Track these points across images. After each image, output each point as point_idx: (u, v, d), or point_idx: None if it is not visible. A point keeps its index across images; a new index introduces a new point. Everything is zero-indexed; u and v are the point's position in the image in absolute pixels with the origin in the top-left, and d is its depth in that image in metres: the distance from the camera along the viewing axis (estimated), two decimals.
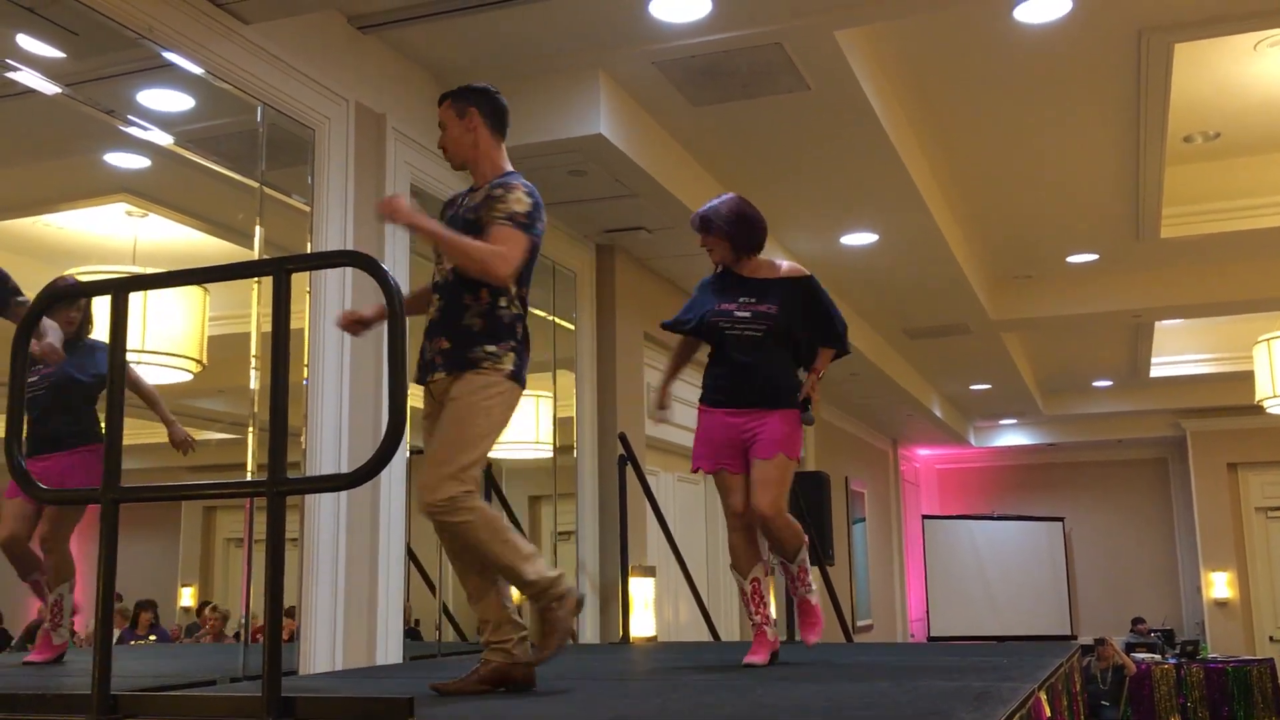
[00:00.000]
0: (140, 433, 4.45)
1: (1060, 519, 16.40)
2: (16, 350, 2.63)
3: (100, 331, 4.24)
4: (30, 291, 3.40)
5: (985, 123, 6.38)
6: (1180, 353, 12.79)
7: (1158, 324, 10.87)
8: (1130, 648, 13.08)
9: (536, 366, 6.37)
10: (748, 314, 4.00)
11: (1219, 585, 14.67)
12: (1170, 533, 16.36)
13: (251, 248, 4.25)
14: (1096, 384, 13.85)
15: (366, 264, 2.47)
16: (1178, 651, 13.16)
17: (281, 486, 2.36)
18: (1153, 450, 16.45)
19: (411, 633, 5.32)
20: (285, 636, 4.13)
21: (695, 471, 4.17)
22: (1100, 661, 11.55)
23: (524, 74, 5.13)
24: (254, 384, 4.24)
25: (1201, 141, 7.44)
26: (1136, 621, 14.34)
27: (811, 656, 4.38)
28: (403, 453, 4.85)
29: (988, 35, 5.40)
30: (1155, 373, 12.80)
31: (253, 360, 4.25)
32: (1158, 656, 12.87)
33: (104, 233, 4.81)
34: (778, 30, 4.72)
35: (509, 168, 3.43)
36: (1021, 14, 5.10)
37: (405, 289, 4.86)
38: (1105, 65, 5.69)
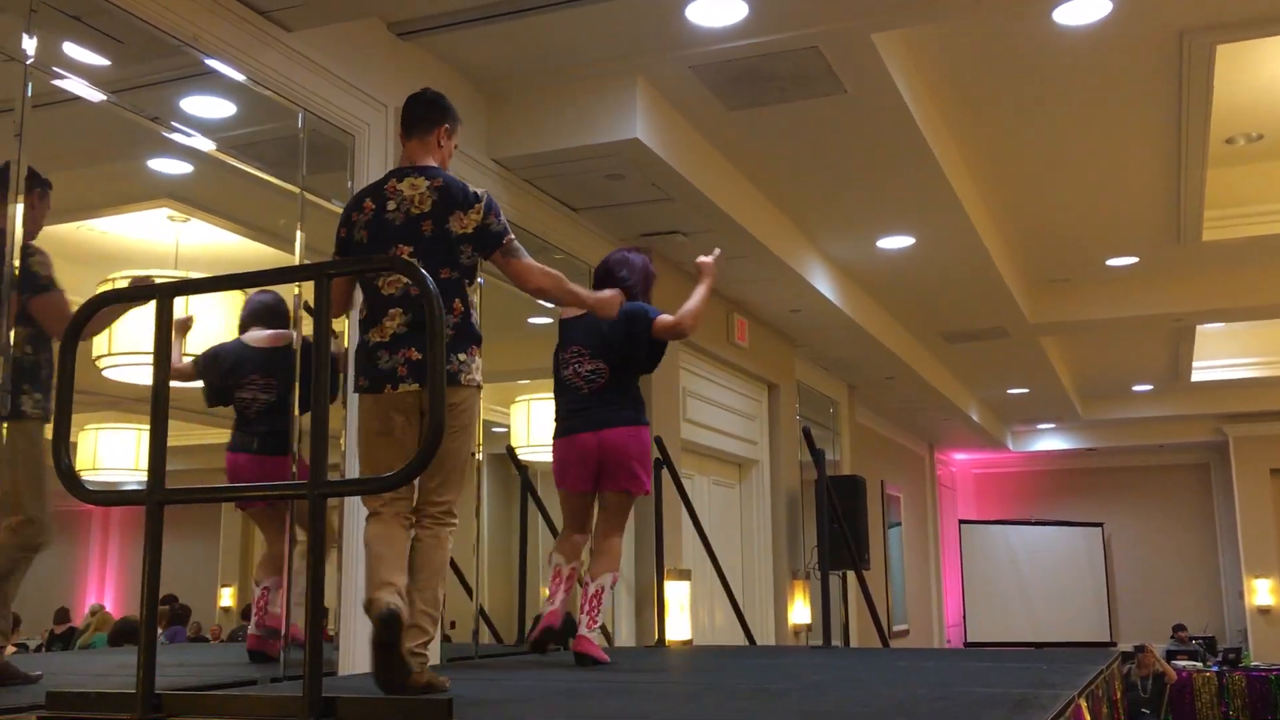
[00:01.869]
0: (180, 435, 4.50)
1: (1099, 524, 16.24)
2: (64, 354, 2.67)
3: (141, 336, 4.29)
4: (76, 297, 3.44)
5: (1023, 125, 6.34)
6: (1222, 357, 12.64)
7: (1199, 327, 10.75)
8: (1171, 655, 12.93)
9: None
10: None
11: (1262, 592, 14.47)
12: (1212, 539, 16.17)
13: (293, 253, 4.29)
14: (1136, 388, 13.71)
15: (406, 269, 2.49)
16: (1219, 659, 13.01)
17: (322, 489, 2.38)
18: (1194, 455, 16.27)
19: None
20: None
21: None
22: (1140, 669, 11.43)
23: (562, 79, 5.16)
24: (295, 386, 4.27)
25: (1244, 143, 7.35)
26: (1177, 628, 14.18)
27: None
28: None
29: (1026, 37, 5.37)
30: (1196, 377, 12.66)
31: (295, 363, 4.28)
32: (1199, 664, 12.72)
33: (146, 238, 4.88)
34: (814, 34, 4.71)
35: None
36: (1061, 16, 5.06)
37: None
38: (1146, 67, 5.64)
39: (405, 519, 3.25)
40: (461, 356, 3.24)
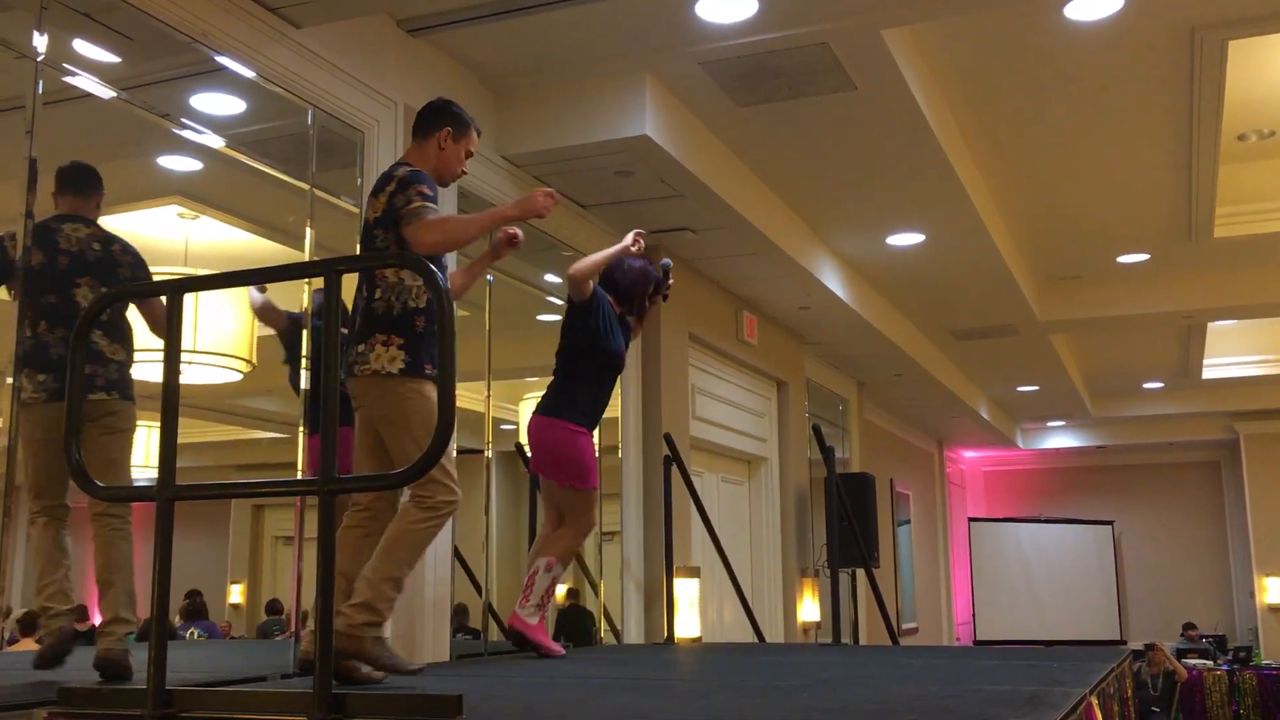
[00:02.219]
0: (190, 431, 4.51)
1: (1110, 522, 16.21)
2: (75, 350, 2.67)
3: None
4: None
5: (1034, 121, 6.32)
6: (1233, 354, 12.59)
7: (1210, 325, 10.71)
8: (1181, 653, 12.90)
9: None
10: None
11: (1273, 590, 14.43)
12: (1222, 537, 16.12)
13: (302, 249, 4.30)
14: (1147, 386, 13.67)
15: (415, 264, 2.49)
16: (1230, 658, 12.97)
17: (333, 485, 2.38)
18: (1205, 453, 16.22)
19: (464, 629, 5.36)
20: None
21: (595, 488, 4.65)
22: (1151, 667, 11.41)
23: (571, 76, 5.15)
24: (304, 384, 4.28)
25: (1256, 140, 7.32)
26: (1187, 627, 14.14)
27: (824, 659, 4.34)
28: (451, 452, 4.88)
29: (1037, 33, 5.35)
30: (1208, 374, 12.62)
31: (303, 360, 4.29)
32: (1209, 663, 12.69)
33: (156, 234, 4.88)
34: (824, 30, 4.70)
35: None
36: (1072, 12, 5.04)
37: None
38: (1157, 63, 5.62)
39: (360, 527, 3.44)
40: (360, 347, 3.31)
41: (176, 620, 4.87)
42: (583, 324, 4.64)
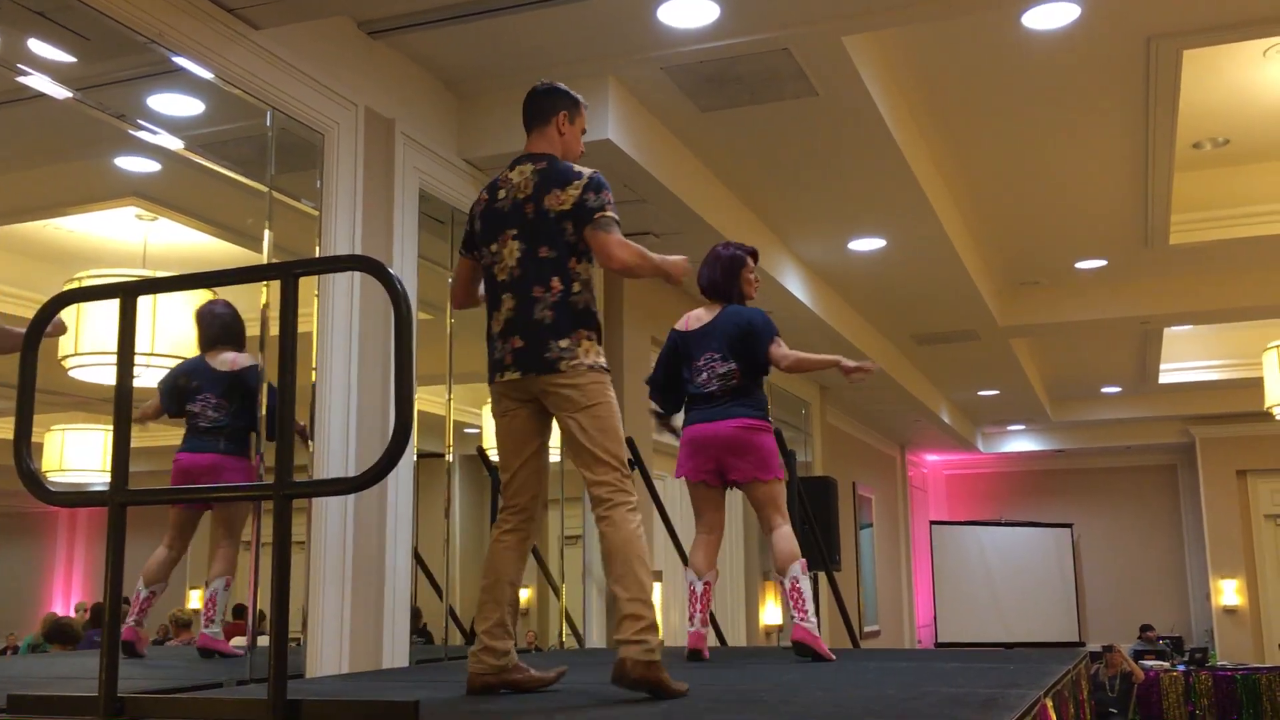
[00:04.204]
0: (145, 437, 4.47)
1: (1069, 525, 16.37)
2: (26, 354, 2.64)
3: (109, 336, 4.26)
4: (42, 296, 3.41)
5: (993, 128, 6.38)
6: (1189, 359, 12.76)
7: (1166, 330, 10.86)
8: (1138, 655, 13.04)
9: None
10: None
11: (1228, 592, 14.63)
12: (1179, 539, 16.32)
13: (261, 252, 4.27)
14: (1105, 390, 13.82)
15: (373, 268, 2.48)
16: (1186, 659, 13.12)
17: (289, 489, 2.36)
18: (1161, 457, 16.41)
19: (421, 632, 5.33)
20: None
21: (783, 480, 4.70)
22: (1108, 669, 11.52)
23: (533, 79, 5.09)
24: (262, 387, 4.25)
25: (1210, 148, 7.43)
26: (1145, 628, 14.30)
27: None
28: (410, 455, 4.86)
29: (996, 41, 5.40)
30: (1164, 379, 12.77)
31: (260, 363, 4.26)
32: (1166, 664, 12.83)
33: (114, 236, 4.83)
34: (785, 36, 4.73)
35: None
36: (1030, 20, 5.10)
37: (413, 293, 4.88)
38: (1114, 71, 5.69)
39: (517, 531, 3.34)
40: (564, 342, 3.20)
41: (82, 628, 4.81)
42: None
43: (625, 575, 3.09)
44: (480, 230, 3.42)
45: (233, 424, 4.35)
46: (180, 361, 4.47)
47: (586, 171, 3.34)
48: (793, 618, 4.50)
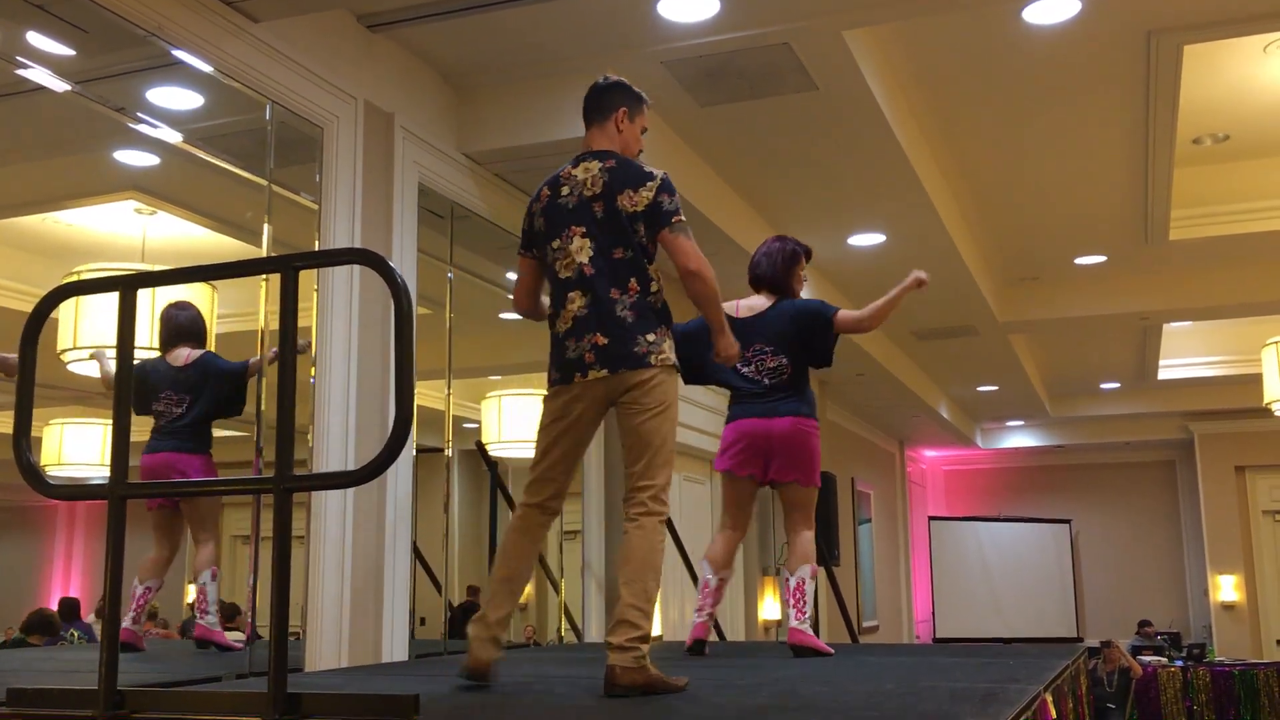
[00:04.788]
0: (145, 430, 4.46)
1: (1067, 521, 16.38)
2: (25, 347, 2.64)
3: (108, 329, 4.26)
4: (40, 289, 3.40)
5: (993, 123, 6.37)
6: (1188, 355, 12.76)
7: (1166, 326, 10.85)
8: (1136, 650, 13.05)
9: (543, 366, 6.38)
10: None
11: (1226, 588, 14.64)
12: (1177, 535, 16.33)
13: (260, 245, 4.26)
14: (1104, 386, 13.82)
15: (374, 261, 2.47)
16: (1184, 654, 13.13)
17: (289, 483, 2.36)
18: (1160, 453, 16.42)
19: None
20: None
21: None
22: (1106, 664, 11.52)
23: (533, 73, 5.14)
24: (261, 381, 4.25)
25: (1210, 144, 7.42)
26: (1143, 624, 14.31)
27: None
28: (409, 450, 4.86)
29: (996, 36, 5.40)
30: (1163, 375, 12.77)
31: (259, 356, 4.25)
32: (1164, 659, 12.84)
33: (113, 230, 4.82)
34: (785, 30, 4.72)
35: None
36: (1030, 15, 5.09)
37: (412, 287, 4.88)
38: (1114, 67, 5.68)
39: (540, 528, 3.27)
40: (650, 337, 3.19)
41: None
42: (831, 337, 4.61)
43: (634, 582, 3.06)
44: (543, 227, 3.34)
45: (191, 420, 4.39)
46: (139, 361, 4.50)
47: (658, 173, 3.28)
48: (790, 616, 4.50)
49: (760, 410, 4.52)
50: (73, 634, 4.70)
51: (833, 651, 4.55)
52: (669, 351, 3.21)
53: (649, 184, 3.24)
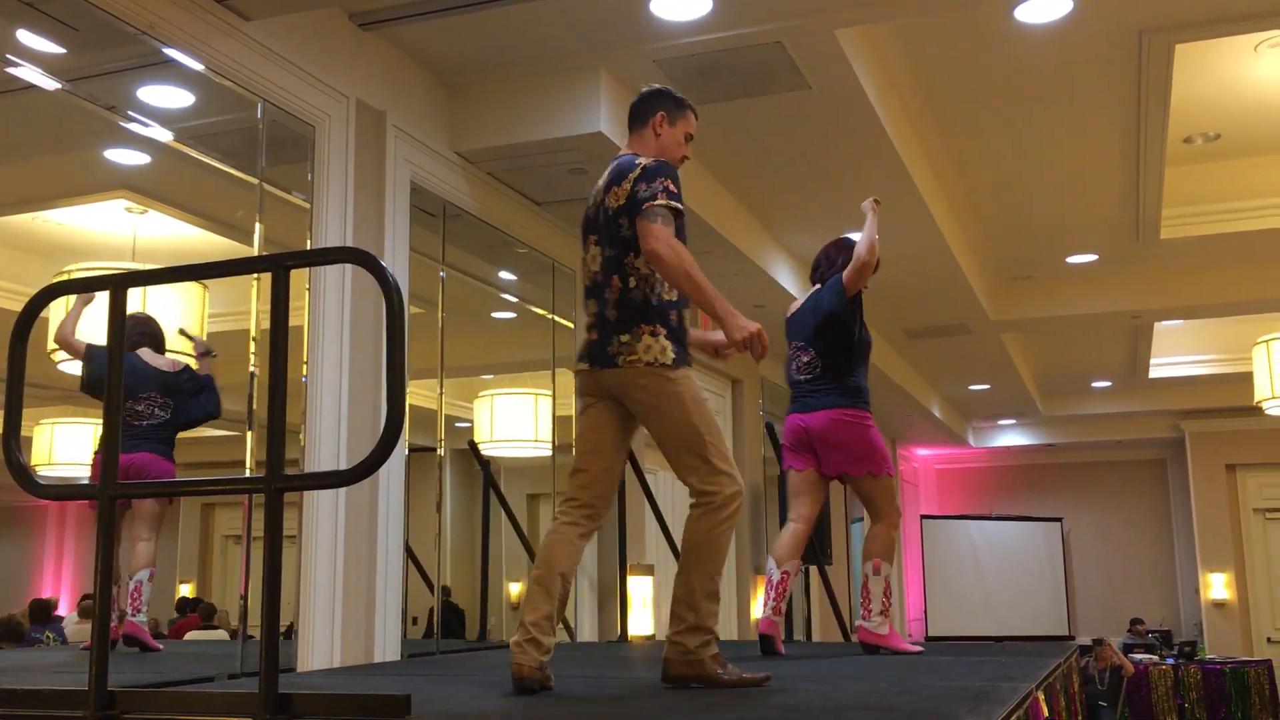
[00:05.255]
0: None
1: (1059, 519, 16.40)
2: (14, 346, 2.63)
3: (99, 328, 4.25)
4: (31, 289, 3.39)
5: (985, 122, 6.38)
6: (1179, 354, 12.79)
7: (1157, 325, 10.87)
8: (1128, 648, 13.08)
9: (536, 364, 6.39)
10: None
11: (1217, 586, 14.67)
12: (1168, 534, 16.36)
13: (251, 244, 4.25)
14: (1095, 385, 13.84)
15: (365, 260, 2.46)
16: (1175, 652, 13.16)
17: (279, 483, 2.35)
18: (1151, 451, 16.45)
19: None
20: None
21: (889, 475, 4.59)
22: (1098, 662, 11.55)
23: (525, 72, 5.13)
24: (253, 381, 4.24)
25: (1201, 143, 7.44)
26: (1135, 622, 14.34)
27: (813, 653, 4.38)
28: (401, 449, 4.85)
29: (988, 35, 5.40)
30: (1154, 374, 12.80)
31: (251, 357, 4.24)
32: (1155, 657, 12.87)
33: (103, 229, 4.80)
34: (778, 29, 4.72)
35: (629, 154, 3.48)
36: (1022, 14, 5.10)
37: (404, 286, 4.87)
38: (1106, 65, 5.69)
39: (577, 525, 3.26)
40: (624, 337, 3.20)
41: (27, 624, 4.79)
42: (859, 314, 4.60)
43: (680, 573, 3.16)
44: (582, 236, 3.46)
45: (171, 425, 4.43)
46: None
47: (643, 160, 3.27)
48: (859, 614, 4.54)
49: (800, 406, 4.63)
50: (48, 636, 4.69)
51: (919, 649, 4.56)
52: (644, 353, 3.18)
53: (630, 175, 3.25)
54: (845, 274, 4.54)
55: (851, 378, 4.58)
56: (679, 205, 3.22)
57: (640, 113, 3.49)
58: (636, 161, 3.29)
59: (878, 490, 4.55)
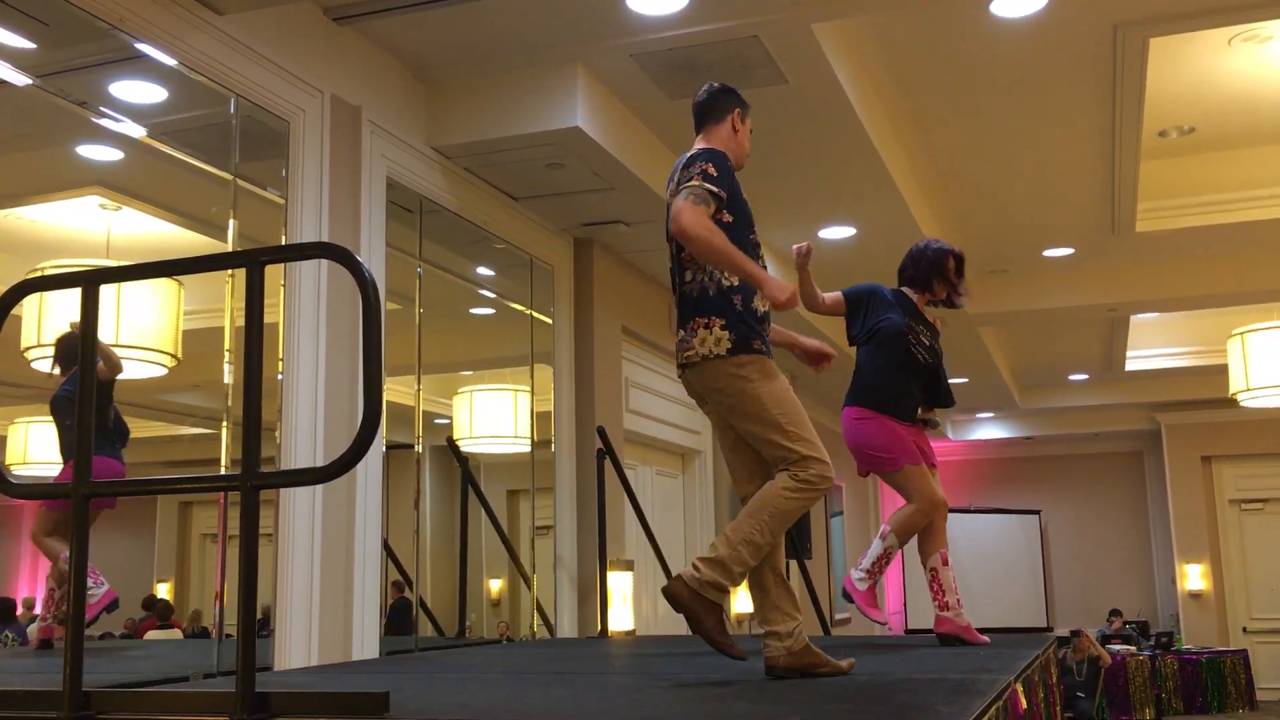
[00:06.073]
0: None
1: (1037, 512, 16.49)
2: None
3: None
4: (3, 286, 3.36)
5: (962, 116, 6.39)
6: (1155, 347, 12.86)
7: (1133, 318, 10.94)
8: (1105, 639, 13.17)
9: (515, 360, 6.38)
10: (928, 342, 4.71)
11: (1193, 577, 14.78)
12: (1145, 525, 16.47)
13: (226, 240, 4.22)
14: (1072, 378, 13.92)
15: (340, 256, 2.45)
16: (1152, 643, 13.26)
17: (255, 480, 2.34)
18: (1128, 443, 16.56)
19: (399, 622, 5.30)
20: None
21: (901, 469, 4.49)
22: (1076, 653, 11.62)
23: (501, 67, 5.11)
24: (229, 378, 4.21)
25: (1176, 136, 7.48)
26: (1113, 614, 14.44)
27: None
28: (379, 446, 4.83)
29: (965, 29, 5.41)
30: (1130, 366, 12.87)
31: (227, 354, 4.22)
32: (1133, 648, 12.97)
33: (77, 226, 4.76)
34: (755, 23, 4.72)
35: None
36: (998, 8, 5.11)
37: (381, 282, 4.85)
38: (1081, 59, 5.71)
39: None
40: (680, 334, 3.22)
41: None
42: (858, 316, 4.80)
43: (736, 518, 3.15)
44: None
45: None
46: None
47: (703, 149, 3.26)
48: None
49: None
50: (7, 635, 4.66)
51: (986, 640, 4.58)
52: (699, 345, 3.16)
53: (693, 166, 3.22)
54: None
55: (862, 375, 4.64)
56: (714, 187, 3.16)
57: (715, 109, 3.45)
58: (704, 147, 3.29)
59: (895, 484, 4.53)
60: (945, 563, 4.54)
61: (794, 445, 3.13)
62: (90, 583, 4.31)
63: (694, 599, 3.05)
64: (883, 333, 4.61)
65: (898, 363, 4.56)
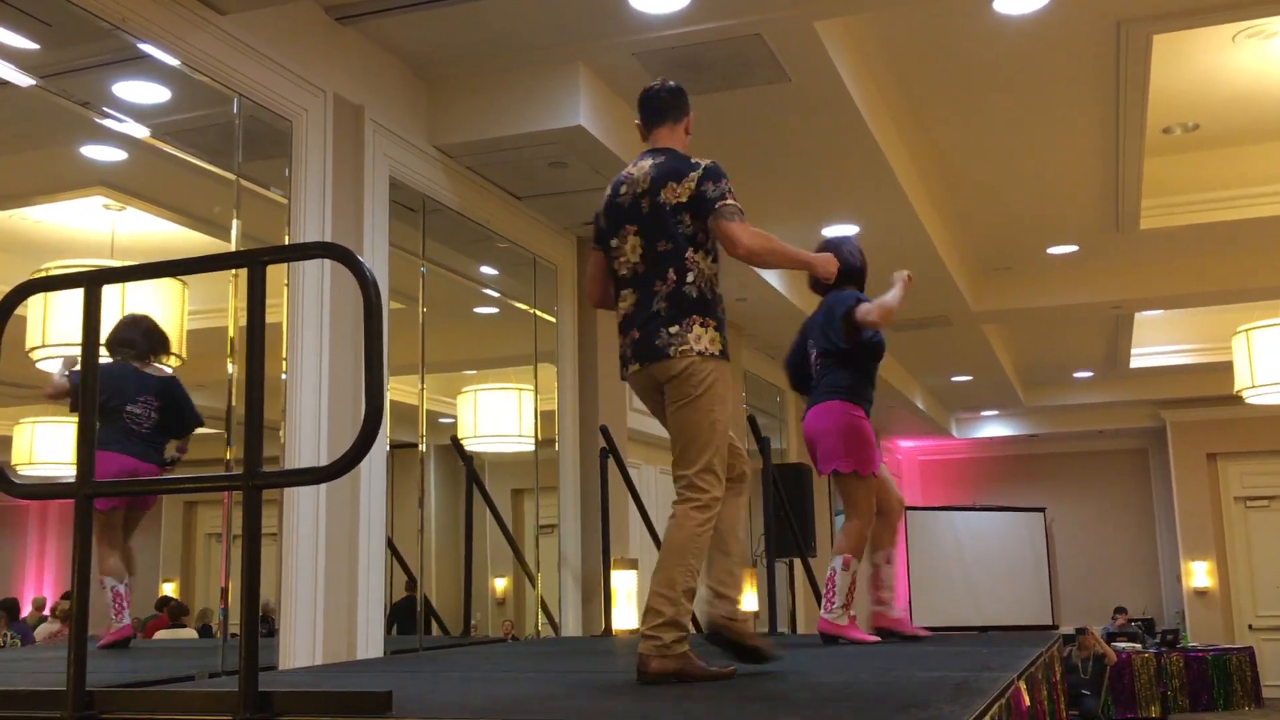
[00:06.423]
0: None
1: (1041, 509, 16.47)
2: None
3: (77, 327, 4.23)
4: (8, 286, 3.37)
5: (965, 114, 6.39)
6: (1160, 344, 12.84)
7: (1137, 315, 10.91)
8: (1111, 637, 13.15)
9: (519, 359, 6.38)
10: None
11: (1199, 574, 14.76)
12: (1150, 523, 16.45)
13: (229, 240, 4.22)
14: (1077, 375, 13.90)
15: (342, 256, 2.45)
16: (1158, 640, 13.24)
17: (257, 480, 2.34)
18: (1133, 441, 16.53)
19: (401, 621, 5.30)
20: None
21: (868, 477, 4.59)
22: (1081, 651, 11.61)
23: (503, 66, 5.11)
24: (232, 378, 4.22)
25: (1180, 133, 7.46)
26: (1118, 611, 14.43)
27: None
28: (382, 445, 4.83)
29: (968, 26, 5.41)
30: (1135, 364, 12.85)
31: (230, 354, 4.22)
32: (1138, 645, 12.95)
33: (81, 226, 4.78)
34: (757, 21, 4.71)
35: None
36: (1001, 5, 5.10)
37: (384, 281, 4.85)
38: (1084, 57, 5.70)
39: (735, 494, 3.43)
40: (674, 329, 3.24)
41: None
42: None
43: (660, 570, 3.16)
44: (605, 225, 3.46)
45: (159, 430, 4.46)
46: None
47: (704, 162, 3.37)
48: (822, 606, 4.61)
49: (808, 406, 4.72)
50: (8, 635, 4.67)
51: (876, 640, 4.62)
52: (695, 341, 3.23)
53: (692, 174, 3.34)
54: (864, 312, 4.52)
55: (841, 372, 4.64)
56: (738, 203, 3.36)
57: (678, 107, 3.56)
58: (695, 161, 3.38)
59: (841, 488, 4.62)
60: (846, 567, 4.63)
61: (714, 462, 3.24)
62: (113, 609, 4.34)
63: (674, 665, 3.07)
64: (878, 346, 4.73)
65: (870, 378, 4.74)
